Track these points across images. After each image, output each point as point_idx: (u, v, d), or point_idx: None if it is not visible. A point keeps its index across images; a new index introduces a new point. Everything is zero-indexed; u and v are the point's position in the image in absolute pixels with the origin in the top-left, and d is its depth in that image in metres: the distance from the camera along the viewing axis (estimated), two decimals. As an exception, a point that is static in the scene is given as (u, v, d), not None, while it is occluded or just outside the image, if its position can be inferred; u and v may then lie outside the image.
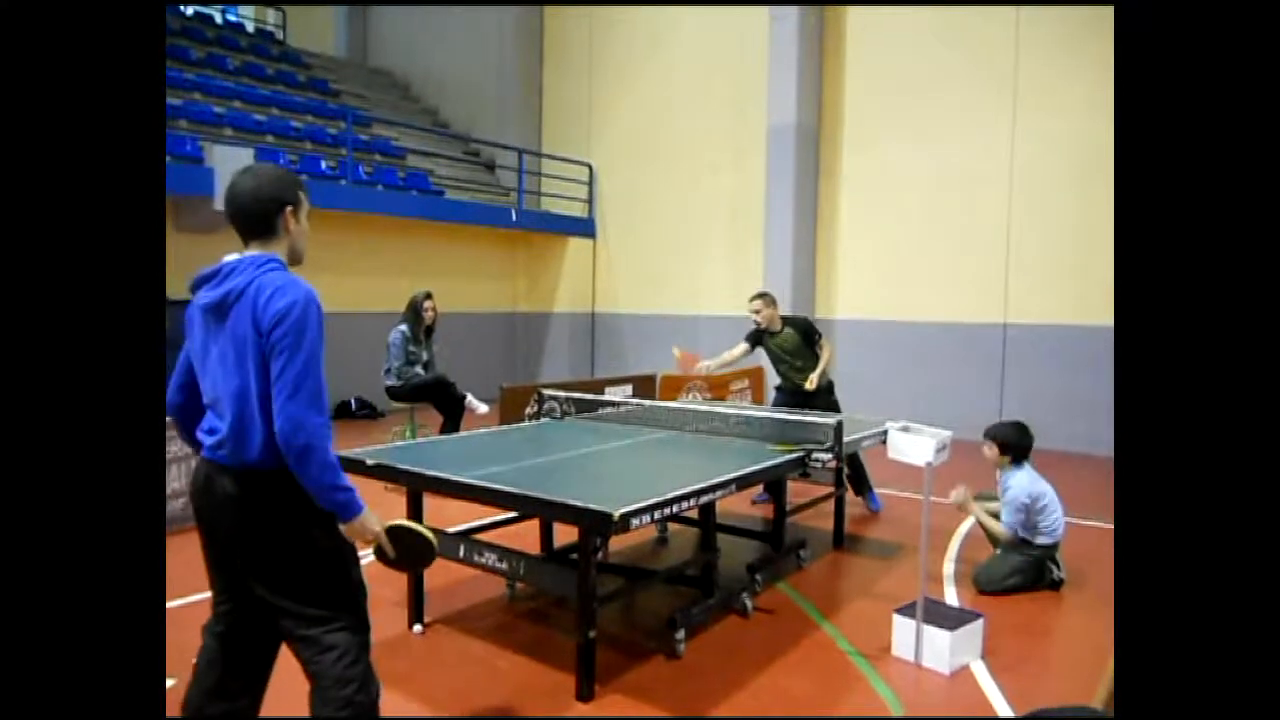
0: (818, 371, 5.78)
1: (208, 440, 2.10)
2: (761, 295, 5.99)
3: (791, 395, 5.93)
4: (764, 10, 10.16)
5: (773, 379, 6.40)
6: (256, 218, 2.08)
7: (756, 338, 6.02)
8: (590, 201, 12.61)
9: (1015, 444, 4.43)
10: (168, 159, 8.47)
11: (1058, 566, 4.37)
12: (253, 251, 2.08)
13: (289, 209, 2.11)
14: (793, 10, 9.79)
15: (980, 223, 9.13)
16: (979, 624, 3.51)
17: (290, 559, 2.09)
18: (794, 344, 5.89)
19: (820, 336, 5.93)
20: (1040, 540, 4.30)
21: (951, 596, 4.25)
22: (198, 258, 2.56)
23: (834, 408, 5.83)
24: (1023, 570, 4.28)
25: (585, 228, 12.54)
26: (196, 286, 2.08)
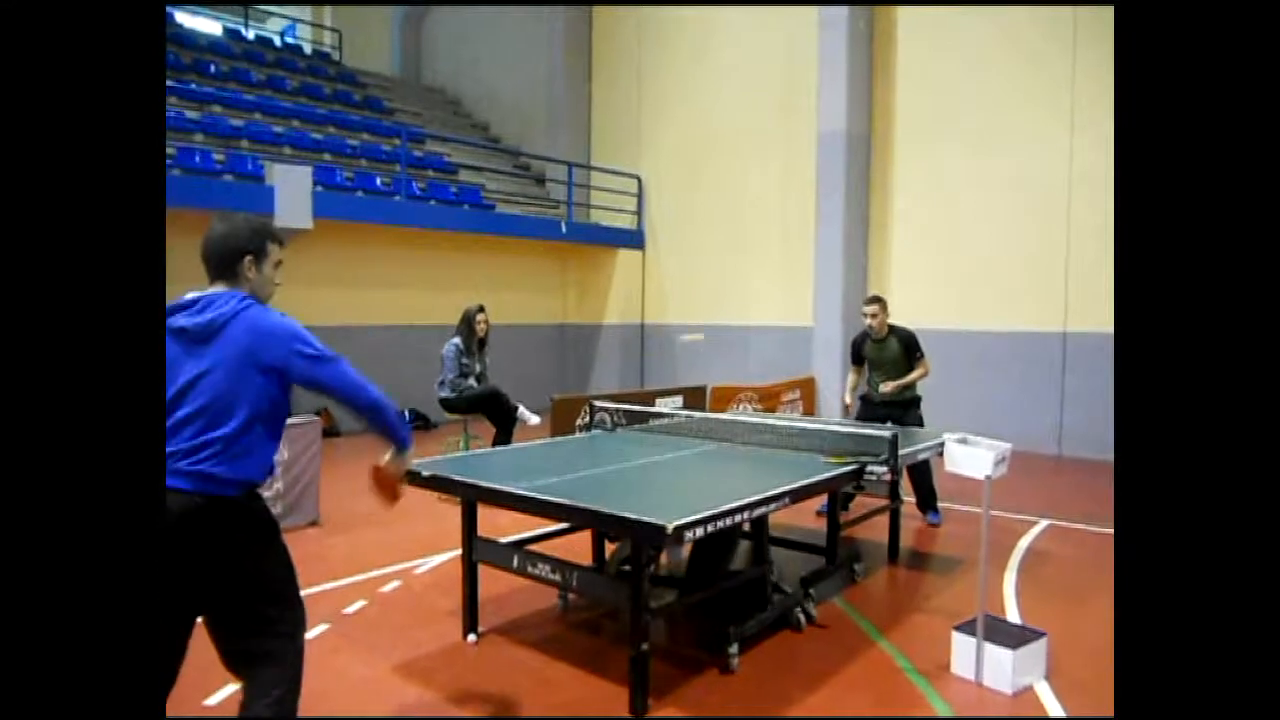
0: (903, 381, 5.72)
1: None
2: (878, 299, 5.93)
3: (876, 407, 5.86)
4: (812, 15, 10.10)
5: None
6: (221, 262, 2.30)
7: (859, 353, 6.02)
8: (639, 213, 12.66)
9: None
10: (230, 178, 8.75)
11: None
12: (220, 289, 2.27)
13: (248, 258, 2.31)
14: (842, 14, 9.71)
15: (1038, 230, 8.91)
16: (1042, 642, 3.40)
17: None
18: (895, 355, 5.83)
19: (922, 355, 5.84)
20: None
21: (1013, 613, 4.14)
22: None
23: (916, 424, 5.73)
24: None
25: (634, 239, 12.59)
26: (171, 313, 2.21)
